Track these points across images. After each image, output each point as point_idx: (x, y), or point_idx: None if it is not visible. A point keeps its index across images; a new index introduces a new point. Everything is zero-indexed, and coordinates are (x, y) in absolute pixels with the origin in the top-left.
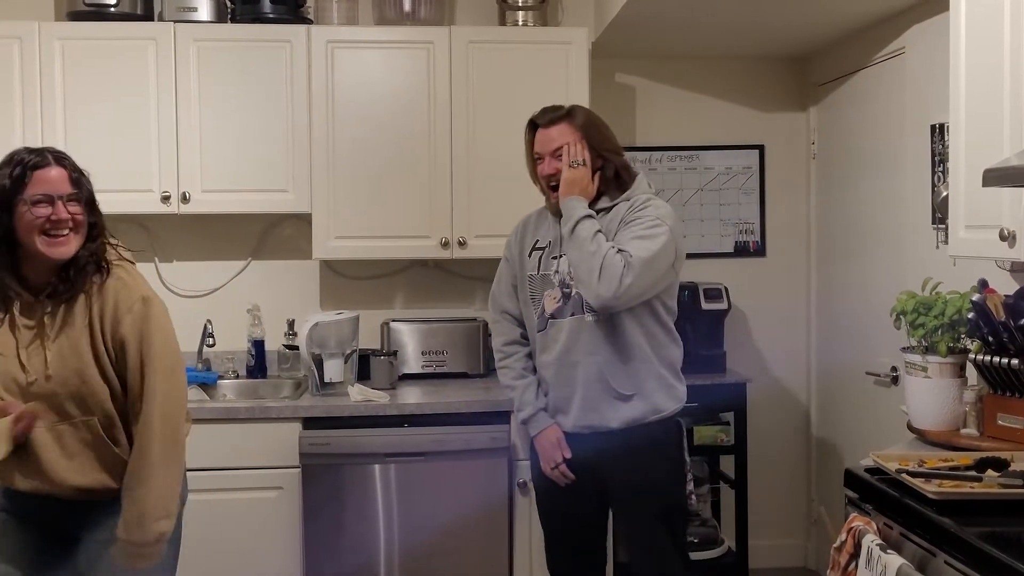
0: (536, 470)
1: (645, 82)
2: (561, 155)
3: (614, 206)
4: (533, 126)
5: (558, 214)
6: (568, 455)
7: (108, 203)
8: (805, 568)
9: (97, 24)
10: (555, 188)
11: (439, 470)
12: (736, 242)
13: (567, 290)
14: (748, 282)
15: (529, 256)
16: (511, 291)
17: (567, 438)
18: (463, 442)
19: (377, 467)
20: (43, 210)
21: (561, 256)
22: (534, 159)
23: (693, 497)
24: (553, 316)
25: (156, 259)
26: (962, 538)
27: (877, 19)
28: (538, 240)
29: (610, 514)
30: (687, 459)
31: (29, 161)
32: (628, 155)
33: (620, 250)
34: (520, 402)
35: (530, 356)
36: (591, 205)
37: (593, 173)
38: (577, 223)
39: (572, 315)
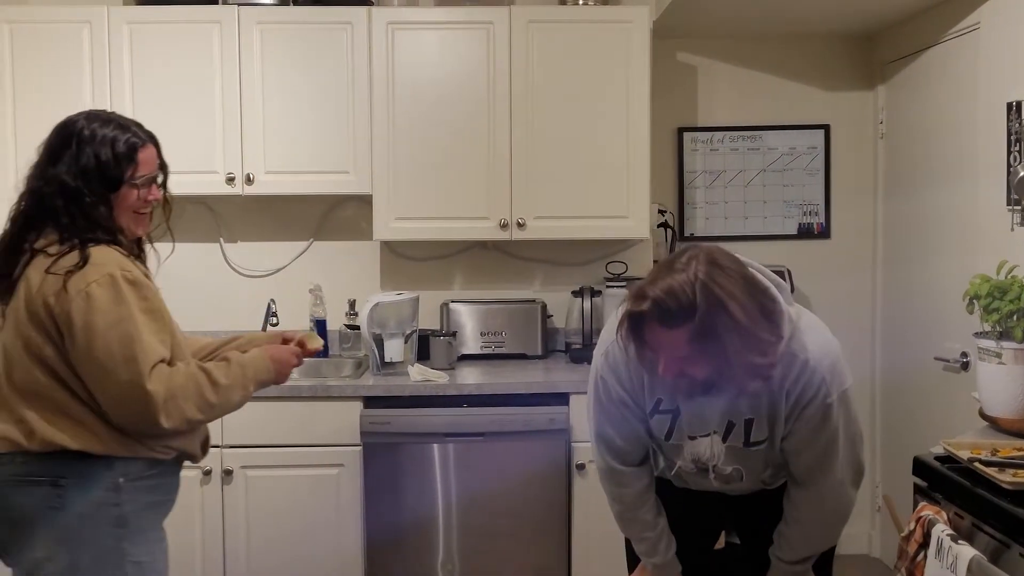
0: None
1: (707, 61)
2: (684, 361)
3: None
4: (641, 320)
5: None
6: None
7: (175, 184)
8: (869, 556)
9: (163, 8)
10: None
11: (498, 450)
12: (800, 224)
13: (703, 466)
14: (812, 264)
15: (652, 416)
16: (638, 437)
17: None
18: (522, 423)
19: (436, 446)
20: (154, 192)
21: (696, 438)
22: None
23: None
24: (690, 473)
25: (221, 239)
26: None
27: None
28: (662, 401)
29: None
30: None
31: (135, 141)
32: (688, 136)
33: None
34: (650, 549)
35: (656, 502)
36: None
37: (713, 382)
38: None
39: (725, 483)
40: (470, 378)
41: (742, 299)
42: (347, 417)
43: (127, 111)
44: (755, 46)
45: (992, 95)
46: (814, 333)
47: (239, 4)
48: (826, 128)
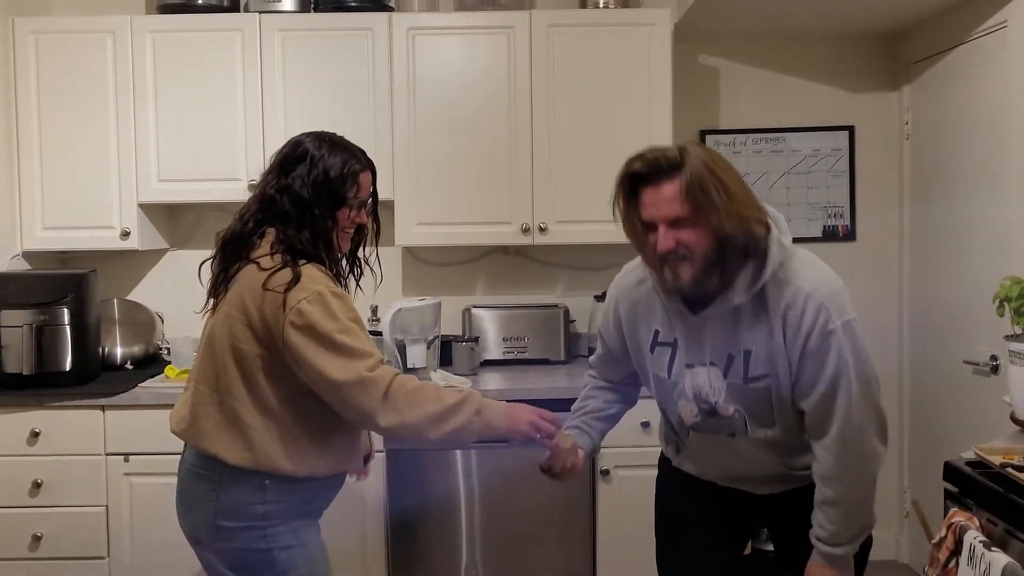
0: (660, 509)
1: (729, 63)
2: (682, 223)
3: (764, 293)
4: (633, 179)
5: (675, 295)
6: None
7: (196, 192)
8: (896, 561)
9: (186, 16)
10: (665, 261)
11: (521, 456)
12: (824, 226)
13: (706, 405)
14: (837, 267)
15: (652, 351)
16: (620, 361)
17: (712, 489)
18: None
19: (459, 452)
20: (362, 216)
21: (694, 366)
22: (640, 223)
23: None
24: (695, 428)
25: None
26: None
27: None
28: (659, 332)
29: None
30: None
31: (358, 166)
32: (711, 139)
33: (855, 432)
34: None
35: (612, 402)
36: (713, 299)
37: (709, 263)
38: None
39: (730, 435)
40: (493, 384)
41: (727, 166)
42: None
43: (150, 119)
44: (777, 47)
45: (1021, 94)
46: (810, 266)
47: (260, 12)
48: (850, 129)
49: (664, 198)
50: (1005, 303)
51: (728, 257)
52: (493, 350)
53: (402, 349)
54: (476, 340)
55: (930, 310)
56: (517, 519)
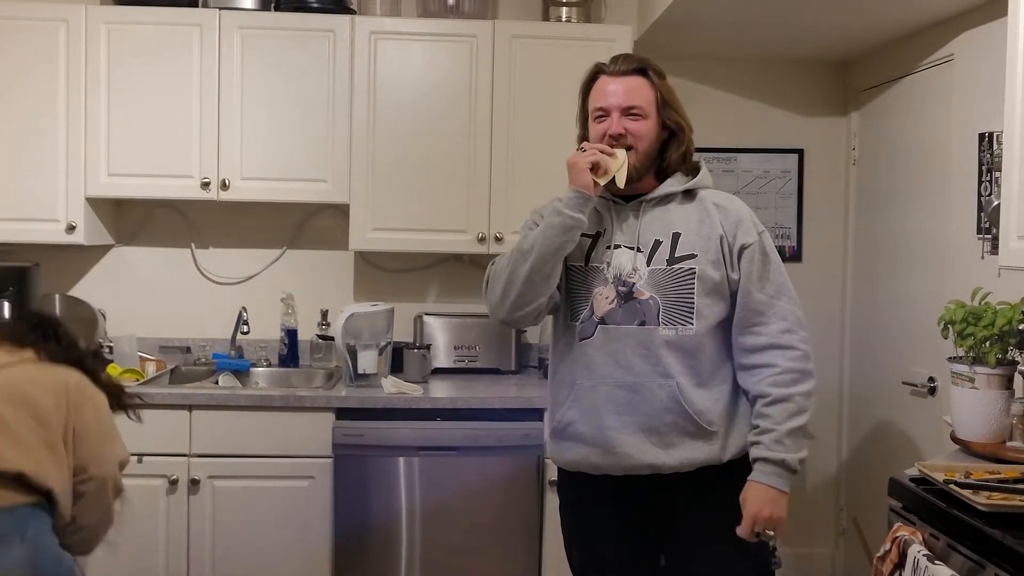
0: (568, 530)
1: (685, 83)
2: (635, 113)
3: (695, 194)
4: (595, 75)
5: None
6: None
7: (147, 187)
8: None
9: (143, 9)
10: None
11: (471, 465)
12: None
13: (623, 288)
14: None
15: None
16: None
17: (616, 483)
18: (496, 438)
19: (409, 459)
20: None
21: (618, 247)
22: (592, 116)
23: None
24: (604, 321)
25: (192, 245)
26: (1015, 550)
27: (925, 25)
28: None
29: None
30: None
31: None
32: None
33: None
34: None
35: None
36: (649, 188)
37: (649, 158)
38: None
39: (640, 324)
40: (443, 392)
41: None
42: (319, 428)
43: (102, 111)
44: (733, 69)
45: (964, 125)
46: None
47: (220, 8)
48: (800, 153)
49: (619, 89)
50: (949, 326)
51: (666, 158)
52: (444, 358)
53: (353, 355)
54: (428, 348)
55: (871, 332)
56: (464, 530)
